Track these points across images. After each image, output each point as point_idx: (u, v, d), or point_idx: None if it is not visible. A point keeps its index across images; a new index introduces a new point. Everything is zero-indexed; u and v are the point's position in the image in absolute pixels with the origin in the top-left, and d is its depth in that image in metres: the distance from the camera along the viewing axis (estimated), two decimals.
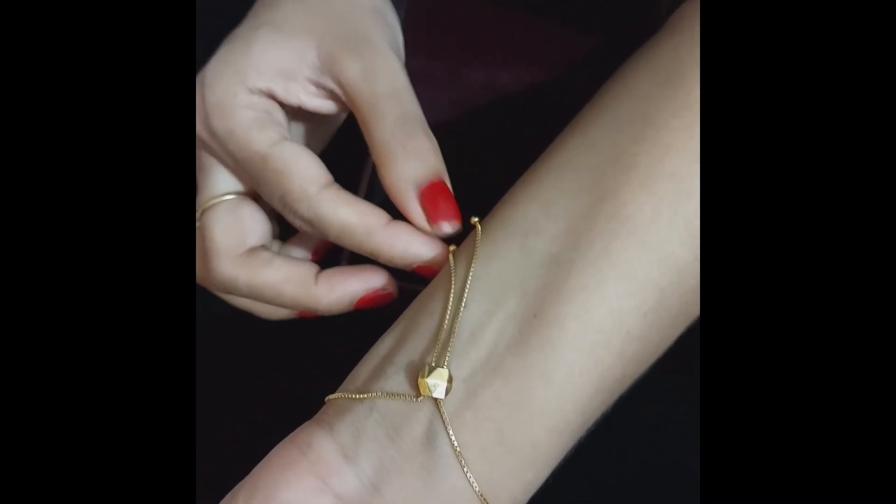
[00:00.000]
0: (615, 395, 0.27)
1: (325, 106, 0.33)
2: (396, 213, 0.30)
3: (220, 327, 0.36)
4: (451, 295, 0.26)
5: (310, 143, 0.35)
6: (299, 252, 0.34)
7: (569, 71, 0.37)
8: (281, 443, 0.27)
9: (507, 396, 0.25)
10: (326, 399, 0.27)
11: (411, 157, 0.29)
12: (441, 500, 0.25)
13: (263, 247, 0.32)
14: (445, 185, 0.30)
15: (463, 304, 0.26)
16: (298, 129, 0.35)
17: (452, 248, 0.29)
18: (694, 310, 0.27)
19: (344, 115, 0.36)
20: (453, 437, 0.25)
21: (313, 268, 0.31)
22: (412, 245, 0.29)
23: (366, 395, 0.26)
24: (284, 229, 0.34)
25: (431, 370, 0.25)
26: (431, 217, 0.29)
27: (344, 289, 0.31)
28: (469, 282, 0.26)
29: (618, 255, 0.26)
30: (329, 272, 0.31)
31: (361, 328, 0.29)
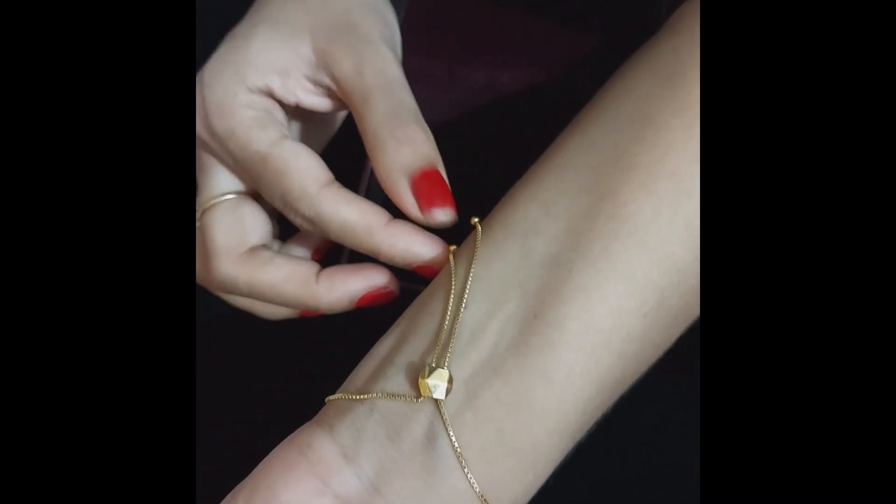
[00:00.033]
0: (615, 396, 0.27)
1: (322, 103, 0.33)
2: (397, 213, 0.30)
3: (220, 327, 0.36)
4: (452, 295, 0.26)
5: (310, 143, 0.35)
6: (300, 251, 0.34)
7: (569, 71, 0.37)
8: (281, 443, 0.27)
9: (507, 397, 0.25)
10: (327, 400, 0.27)
11: (402, 145, 0.29)
12: (441, 501, 0.25)
13: (264, 246, 0.32)
14: (438, 172, 0.29)
15: (463, 305, 0.26)
16: (298, 128, 0.35)
17: (453, 248, 0.29)
18: (694, 310, 0.27)
19: (343, 115, 0.36)
20: (454, 438, 0.25)
21: (314, 266, 0.31)
22: (413, 245, 0.29)
23: (366, 396, 0.26)
24: (285, 229, 0.34)
25: (432, 371, 0.25)
26: (423, 204, 0.29)
27: (345, 287, 0.31)
28: (469, 282, 0.26)
29: (618, 255, 0.26)
30: (330, 271, 0.31)
31: (361, 328, 0.29)
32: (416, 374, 0.26)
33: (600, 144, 0.27)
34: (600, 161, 0.27)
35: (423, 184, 0.29)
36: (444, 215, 0.29)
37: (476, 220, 0.28)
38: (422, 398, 0.25)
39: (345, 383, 0.28)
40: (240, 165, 0.31)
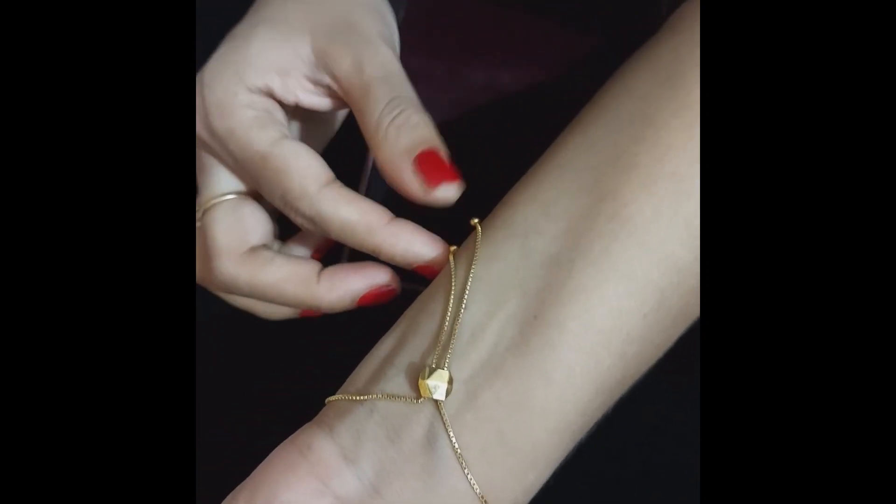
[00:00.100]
0: (616, 396, 0.27)
1: (322, 103, 0.33)
2: (398, 213, 0.30)
3: (220, 327, 0.36)
4: (452, 296, 0.26)
5: (310, 142, 0.35)
6: (300, 251, 0.34)
7: (569, 71, 0.37)
8: (281, 444, 0.27)
9: (507, 397, 0.25)
10: (327, 401, 0.27)
11: (403, 131, 0.29)
12: (442, 502, 0.25)
13: (265, 246, 0.32)
14: (441, 151, 0.29)
15: (463, 306, 0.26)
16: (298, 128, 0.35)
17: (453, 248, 0.29)
18: (694, 310, 0.27)
19: (343, 114, 0.36)
20: (454, 439, 0.25)
21: (315, 266, 0.31)
22: (413, 244, 0.29)
23: (366, 397, 0.26)
24: (285, 229, 0.34)
25: (432, 372, 0.25)
26: (430, 180, 0.28)
27: (346, 286, 0.30)
28: (469, 283, 0.26)
29: (618, 255, 0.26)
30: (331, 270, 0.31)
31: (361, 328, 0.29)
32: (417, 374, 0.26)
33: (600, 144, 0.27)
34: (600, 161, 0.27)
35: (427, 162, 0.28)
36: (452, 190, 0.28)
37: (476, 220, 0.28)
38: (422, 399, 0.25)
39: (345, 384, 0.28)
40: (240, 165, 0.31)
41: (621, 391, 0.27)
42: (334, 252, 0.35)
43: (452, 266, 0.27)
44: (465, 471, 0.25)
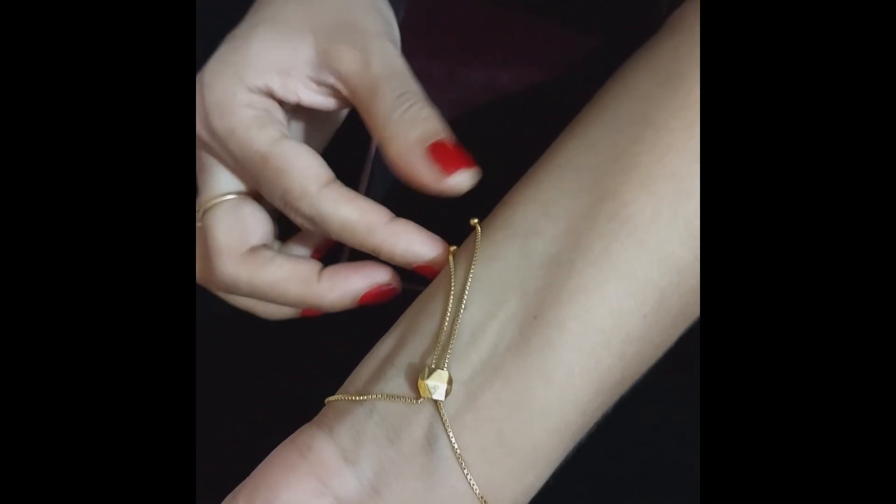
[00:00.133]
0: (616, 396, 0.27)
1: (324, 102, 0.33)
2: (398, 212, 0.30)
3: (220, 327, 0.36)
4: (452, 296, 0.26)
5: (310, 142, 0.35)
6: (301, 250, 0.34)
7: (569, 71, 0.37)
8: (281, 444, 0.27)
9: (507, 398, 0.25)
10: (326, 401, 0.27)
11: (415, 123, 0.29)
12: (441, 503, 0.25)
13: (265, 246, 0.32)
14: (453, 141, 0.29)
15: (463, 306, 0.26)
16: (299, 127, 0.35)
17: (453, 248, 0.29)
18: (694, 310, 0.27)
19: (344, 113, 0.36)
20: (453, 440, 0.25)
21: (316, 265, 0.31)
22: (413, 244, 0.29)
23: (366, 397, 0.26)
24: (285, 229, 0.34)
25: (431, 372, 0.25)
26: (446, 168, 0.28)
27: (347, 285, 0.30)
28: (469, 283, 0.26)
29: (618, 255, 0.26)
30: (331, 269, 0.31)
31: (361, 328, 0.29)
32: (416, 375, 0.26)
33: (600, 144, 0.27)
34: (600, 161, 0.27)
35: (441, 151, 0.28)
36: (469, 176, 0.28)
37: (476, 220, 0.28)
38: (421, 399, 0.25)
39: (345, 384, 0.28)
40: (240, 165, 0.31)
41: (621, 391, 0.27)
42: (334, 252, 0.35)
43: (452, 266, 0.27)
44: (465, 471, 0.25)
